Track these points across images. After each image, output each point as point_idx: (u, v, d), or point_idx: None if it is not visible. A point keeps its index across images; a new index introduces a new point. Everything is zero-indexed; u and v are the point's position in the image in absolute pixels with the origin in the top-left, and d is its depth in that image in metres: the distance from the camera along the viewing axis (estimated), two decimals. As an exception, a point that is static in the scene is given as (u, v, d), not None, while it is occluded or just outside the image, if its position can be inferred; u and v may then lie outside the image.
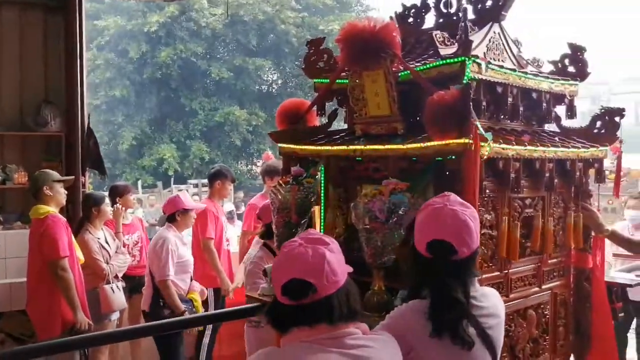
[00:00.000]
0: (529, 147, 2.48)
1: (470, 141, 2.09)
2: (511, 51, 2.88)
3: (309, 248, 1.52)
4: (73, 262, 4.11)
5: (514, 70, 2.62)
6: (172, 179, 20.32)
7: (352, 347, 1.50)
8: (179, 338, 4.35)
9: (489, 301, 1.88)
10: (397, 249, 2.22)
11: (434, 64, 2.42)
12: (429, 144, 2.22)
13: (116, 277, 4.66)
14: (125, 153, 21.11)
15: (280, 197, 2.64)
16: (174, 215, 4.49)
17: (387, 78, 2.50)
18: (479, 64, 2.35)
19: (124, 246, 4.96)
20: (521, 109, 2.79)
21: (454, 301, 1.73)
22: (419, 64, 2.52)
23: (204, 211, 5.07)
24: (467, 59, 2.29)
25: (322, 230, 2.95)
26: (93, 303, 4.41)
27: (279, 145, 2.99)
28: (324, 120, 3.21)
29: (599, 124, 3.03)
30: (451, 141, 2.14)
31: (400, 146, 2.36)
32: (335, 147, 2.66)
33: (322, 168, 2.73)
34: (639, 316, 5.07)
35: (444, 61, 2.36)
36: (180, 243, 4.42)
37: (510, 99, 2.63)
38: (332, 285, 1.51)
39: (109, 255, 4.63)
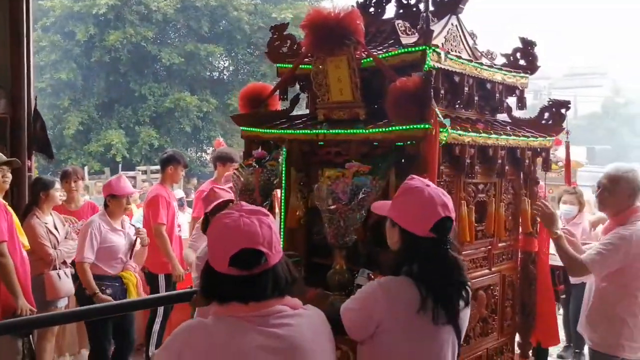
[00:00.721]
0: (483, 135, 2.58)
1: (431, 127, 2.16)
2: (467, 43, 2.99)
3: (253, 219, 1.51)
4: (14, 247, 3.94)
5: (471, 60, 2.72)
6: (120, 165, 19.77)
7: (273, 326, 1.50)
8: (103, 321, 4.19)
9: None
10: (358, 229, 2.28)
11: (396, 52, 2.48)
12: (390, 129, 2.29)
13: (64, 263, 4.49)
14: (71, 138, 20.35)
15: (242, 179, 2.66)
16: (106, 200, 4.36)
17: (351, 64, 2.55)
18: (438, 53, 2.43)
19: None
20: (476, 98, 2.89)
21: (463, 274, 1.86)
22: (381, 52, 2.58)
23: (156, 197, 4.97)
24: (428, 47, 2.36)
25: (283, 213, 2.98)
26: (38, 289, 4.25)
27: (241, 128, 3.00)
28: (286, 105, 3.23)
29: (546, 115, 3.17)
30: (412, 126, 2.20)
31: (363, 131, 2.42)
32: (298, 132, 2.70)
33: (285, 151, 2.74)
34: (577, 297, 5.34)
35: (406, 49, 2.43)
36: (107, 227, 4.24)
37: (466, 89, 2.73)
38: (277, 254, 1.54)
39: (57, 241, 4.46)
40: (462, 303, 1.87)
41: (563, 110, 3.17)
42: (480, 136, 2.54)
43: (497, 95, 3.05)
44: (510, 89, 3.16)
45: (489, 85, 2.96)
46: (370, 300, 1.85)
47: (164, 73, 22.13)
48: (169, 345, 1.50)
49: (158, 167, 5.56)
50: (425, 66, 2.35)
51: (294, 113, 3.15)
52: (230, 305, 1.50)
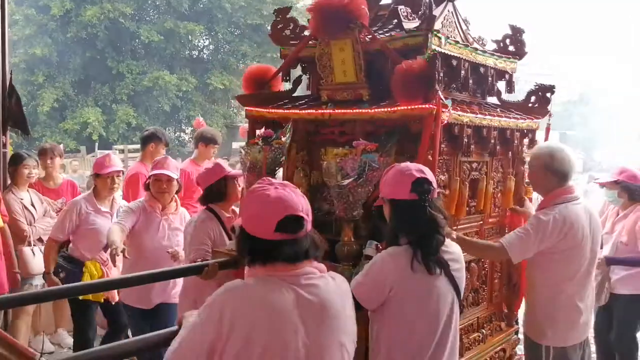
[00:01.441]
0: (479, 116, 2.75)
1: (434, 107, 2.32)
2: (461, 29, 3.14)
3: (287, 190, 1.66)
4: None
5: (467, 45, 2.87)
6: (97, 144, 19.58)
7: (304, 285, 1.65)
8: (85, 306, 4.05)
9: (454, 248, 2.26)
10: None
11: (400, 36, 2.62)
12: (396, 108, 2.43)
13: (40, 240, 4.46)
14: (45, 115, 19.97)
15: (250, 157, 2.78)
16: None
17: (355, 47, 2.68)
18: (439, 38, 2.58)
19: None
20: (470, 81, 3.05)
21: (440, 229, 2.12)
22: (383, 36, 2.71)
23: (136, 175, 4.91)
24: (430, 32, 2.50)
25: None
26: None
27: (246, 108, 3.11)
28: (286, 86, 3.35)
29: (533, 98, 3.35)
30: (417, 106, 2.35)
31: (368, 111, 2.56)
32: (304, 111, 2.82)
33: (290, 130, 2.86)
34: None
35: (409, 34, 2.57)
36: (91, 209, 4.04)
37: (462, 72, 2.88)
38: (311, 222, 1.70)
39: (33, 217, 4.46)
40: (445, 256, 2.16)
41: (548, 95, 3.35)
42: (477, 117, 2.71)
43: (489, 79, 3.21)
44: (500, 74, 3.31)
45: (482, 70, 3.11)
46: (383, 271, 2.10)
47: (142, 51, 21.85)
48: (212, 304, 1.62)
49: (135, 146, 5.44)
50: (428, 50, 2.49)
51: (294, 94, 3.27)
52: (273, 265, 1.65)
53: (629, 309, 4.07)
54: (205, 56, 23.57)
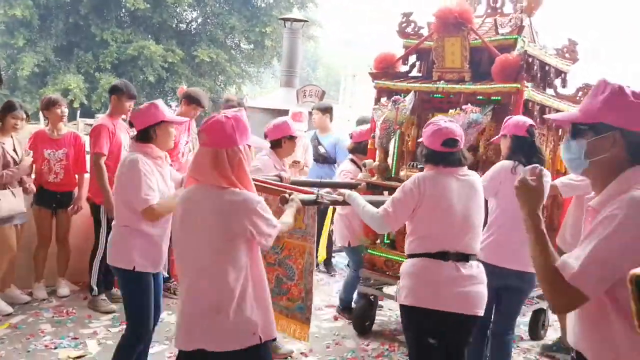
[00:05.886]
0: (544, 96, 4.38)
1: (520, 86, 3.94)
2: (534, 36, 4.75)
3: (453, 124, 3.19)
4: None
5: (540, 48, 4.49)
6: (79, 112, 20.50)
7: (462, 175, 3.16)
8: None
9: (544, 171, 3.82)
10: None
11: (497, 37, 4.24)
12: (494, 85, 4.05)
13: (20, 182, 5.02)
14: (25, 80, 20.80)
15: (384, 114, 4.35)
16: (279, 140, 4.47)
17: (463, 43, 4.28)
18: (524, 41, 4.19)
19: (43, 161, 5.28)
20: (538, 75, 4.64)
21: (539, 155, 3.70)
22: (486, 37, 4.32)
23: (98, 126, 5.09)
24: (519, 37, 4.13)
25: (397, 142, 4.70)
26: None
27: (376, 81, 4.68)
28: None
29: (580, 93, 4.96)
30: (509, 85, 3.98)
31: (472, 86, 4.17)
32: (422, 85, 4.41)
33: (413, 97, 4.42)
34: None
35: (504, 37, 4.19)
36: (279, 168, 4.44)
37: (535, 67, 4.48)
38: (462, 143, 3.23)
39: (16, 162, 4.96)
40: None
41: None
42: (544, 98, 4.34)
43: (552, 75, 4.82)
44: (558, 73, 4.92)
45: (546, 67, 4.73)
46: (496, 173, 3.70)
47: (127, 19, 22.74)
48: (410, 184, 3.14)
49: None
50: (517, 49, 4.11)
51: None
52: (441, 167, 3.19)
53: None
54: (192, 28, 24.66)
